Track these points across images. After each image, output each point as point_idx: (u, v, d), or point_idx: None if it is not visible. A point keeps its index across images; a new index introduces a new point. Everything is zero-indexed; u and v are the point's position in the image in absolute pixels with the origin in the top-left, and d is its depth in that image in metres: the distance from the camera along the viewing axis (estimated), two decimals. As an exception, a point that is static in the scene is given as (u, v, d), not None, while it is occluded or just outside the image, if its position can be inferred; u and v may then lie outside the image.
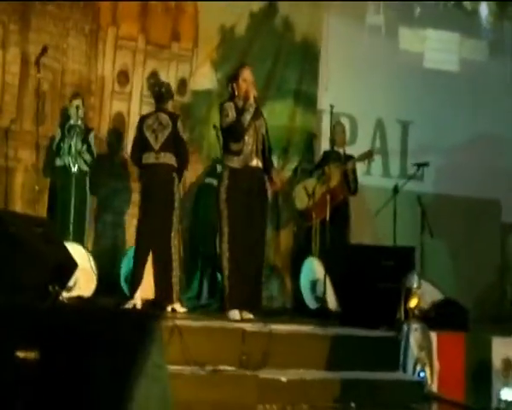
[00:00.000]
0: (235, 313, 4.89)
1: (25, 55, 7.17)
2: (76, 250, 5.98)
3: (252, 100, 5.16)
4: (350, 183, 7.21)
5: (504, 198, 8.89)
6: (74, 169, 6.32)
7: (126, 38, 7.54)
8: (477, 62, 8.92)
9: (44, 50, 6.25)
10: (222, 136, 5.44)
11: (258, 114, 5.25)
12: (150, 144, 5.67)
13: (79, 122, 6.45)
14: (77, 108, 6.45)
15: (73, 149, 6.45)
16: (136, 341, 1.88)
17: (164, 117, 5.78)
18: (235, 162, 5.13)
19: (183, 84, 7.69)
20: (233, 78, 5.46)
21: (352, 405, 4.23)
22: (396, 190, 7.11)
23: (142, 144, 5.74)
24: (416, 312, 4.83)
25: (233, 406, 3.97)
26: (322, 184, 7.05)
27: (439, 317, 5.99)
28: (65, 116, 6.81)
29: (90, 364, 1.84)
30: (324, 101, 8.22)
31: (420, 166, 7.36)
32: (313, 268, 6.36)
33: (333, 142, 7.23)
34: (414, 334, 4.67)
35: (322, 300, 5.74)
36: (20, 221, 4.68)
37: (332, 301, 5.97)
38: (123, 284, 6.25)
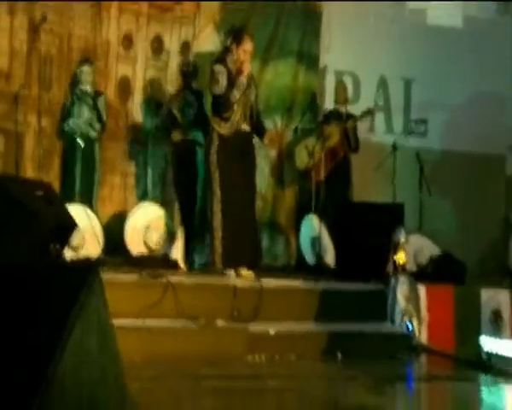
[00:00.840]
0: (231, 273, 5.10)
1: (32, 22, 7.32)
2: (82, 212, 6.25)
3: (244, 75, 5.29)
4: (350, 140, 7.34)
5: (509, 153, 8.96)
6: (80, 142, 6.49)
7: (130, 2, 7.65)
8: (482, 20, 8.91)
9: (44, 19, 6.39)
10: (212, 99, 5.57)
11: (249, 82, 5.37)
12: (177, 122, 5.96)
13: (88, 88, 6.58)
14: (86, 73, 6.57)
15: (82, 117, 6.63)
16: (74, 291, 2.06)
17: (190, 96, 5.96)
18: (224, 128, 5.31)
19: (186, 46, 7.81)
20: (235, 39, 5.55)
21: (339, 355, 4.44)
22: (395, 147, 7.22)
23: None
24: (403, 265, 4.99)
25: (223, 357, 4.21)
26: (322, 143, 7.19)
27: (436, 271, 6.19)
28: (75, 81, 6.96)
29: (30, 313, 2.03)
30: (327, 60, 8.33)
31: (418, 122, 7.45)
32: (312, 226, 6.53)
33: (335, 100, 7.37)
34: (401, 287, 4.86)
35: (319, 256, 5.93)
36: (20, 184, 4.90)
37: (331, 257, 6.16)
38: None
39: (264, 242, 7.26)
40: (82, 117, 6.67)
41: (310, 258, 6.43)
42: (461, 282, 5.97)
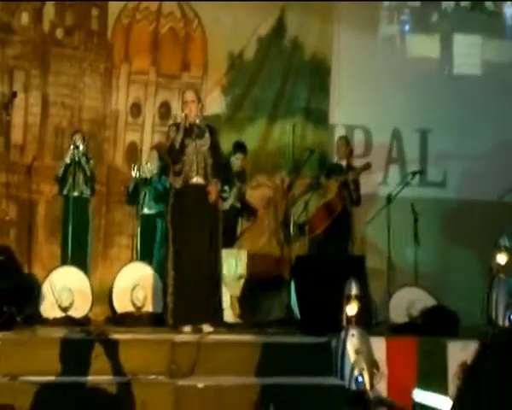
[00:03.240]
0: (185, 328, 5.10)
1: (45, 97, 7.86)
2: (73, 273, 6.50)
3: (189, 120, 5.34)
4: (351, 193, 7.25)
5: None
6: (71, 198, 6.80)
7: (138, 73, 8.05)
8: (500, 64, 8.67)
9: (14, 95, 6.77)
10: None
11: (200, 132, 5.41)
12: None
13: (76, 158, 6.88)
14: (74, 144, 6.88)
15: (76, 181, 6.94)
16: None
17: None
18: (177, 182, 5.37)
19: (192, 110, 8.04)
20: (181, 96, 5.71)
21: (271, 408, 4.34)
22: (389, 199, 7.08)
23: None
24: (355, 317, 4.83)
25: (149, 411, 4.21)
26: (320, 198, 7.17)
27: (426, 323, 5.97)
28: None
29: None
30: (337, 115, 8.35)
31: (415, 173, 7.31)
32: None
33: (336, 155, 7.38)
34: (351, 339, 4.69)
35: (290, 309, 5.85)
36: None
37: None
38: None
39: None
40: (76, 181, 6.93)
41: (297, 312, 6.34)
42: (453, 333, 5.73)
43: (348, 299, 4.90)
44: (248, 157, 7.80)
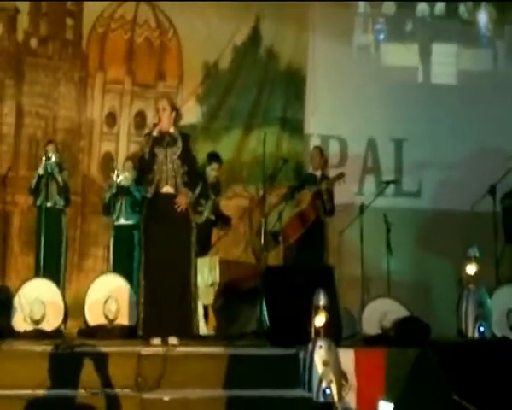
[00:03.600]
0: (154, 340, 5.08)
1: (19, 107, 7.83)
2: (46, 286, 6.44)
3: (159, 129, 5.29)
4: (325, 203, 7.25)
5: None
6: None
7: (113, 82, 8.04)
8: (476, 73, 8.73)
9: None
10: None
11: (172, 141, 5.33)
12: None
13: (49, 169, 6.81)
14: (47, 156, 6.81)
15: (50, 192, 6.89)
16: None
17: None
18: (149, 191, 5.35)
19: (168, 120, 8.03)
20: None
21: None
22: (362, 209, 7.09)
23: None
24: (322, 328, 4.84)
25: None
26: (294, 207, 7.18)
27: (398, 335, 5.97)
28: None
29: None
30: (312, 125, 8.38)
31: (388, 183, 7.33)
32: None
33: (310, 165, 7.39)
34: (318, 351, 4.69)
35: (261, 321, 5.84)
36: None
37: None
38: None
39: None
40: (49, 192, 6.88)
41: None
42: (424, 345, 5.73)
43: (316, 310, 4.91)
44: (224, 167, 7.78)
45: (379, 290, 6.94)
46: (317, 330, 4.88)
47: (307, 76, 8.40)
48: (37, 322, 6.26)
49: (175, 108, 5.51)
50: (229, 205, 7.89)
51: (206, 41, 8.04)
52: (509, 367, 2.73)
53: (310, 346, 4.76)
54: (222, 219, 7.24)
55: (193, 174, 5.40)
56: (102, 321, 6.40)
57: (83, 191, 7.85)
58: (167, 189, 5.29)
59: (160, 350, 4.71)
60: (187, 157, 5.36)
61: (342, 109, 8.39)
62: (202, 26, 8.04)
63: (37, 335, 5.94)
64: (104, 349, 4.71)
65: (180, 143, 5.37)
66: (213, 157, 7.27)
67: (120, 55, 8.04)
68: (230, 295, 6.72)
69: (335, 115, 8.39)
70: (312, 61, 8.43)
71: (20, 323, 6.21)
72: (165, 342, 5.09)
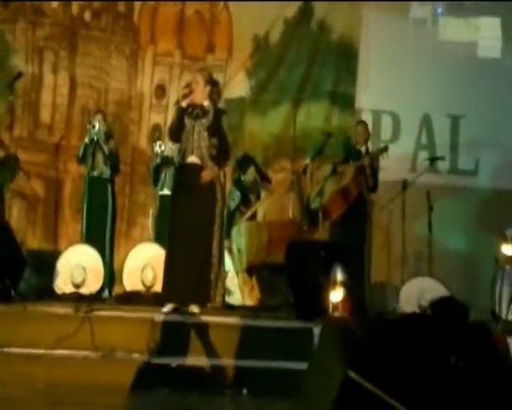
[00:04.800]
0: (167, 307, 5.12)
1: (73, 78, 8.03)
2: (87, 252, 6.65)
3: (188, 101, 5.32)
4: (368, 179, 7.09)
5: None
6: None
7: (163, 55, 8.10)
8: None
9: (19, 75, 6.89)
10: None
11: (203, 113, 5.36)
12: None
13: (95, 138, 6.95)
14: (92, 125, 6.95)
15: (96, 160, 7.03)
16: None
17: None
18: (176, 160, 5.42)
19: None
20: None
21: (244, 391, 4.33)
22: (404, 185, 6.90)
23: None
24: (339, 304, 4.75)
25: (123, 388, 4.29)
26: (336, 183, 7.06)
27: (435, 314, 5.81)
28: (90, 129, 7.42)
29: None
30: (364, 100, 8.19)
31: (433, 160, 7.09)
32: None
33: (355, 140, 7.23)
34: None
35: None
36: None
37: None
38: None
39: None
40: (95, 160, 7.01)
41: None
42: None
43: (334, 285, 4.84)
44: (272, 141, 7.76)
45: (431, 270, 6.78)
46: (335, 306, 4.81)
47: (360, 50, 8.19)
48: (77, 286, 6.49)
49: (211, 82, 5.54)
50: (276, 179, 7.83)
51: (256, 13, 7.96)
52: (416, 344, 2.65)
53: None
54: (262, 177, 7.28)
55: (221, 149, 5.41)
56: (140, 288, 6.57)
57: (132, 162, 7.98)
58: (192, 159, 5.33)
59: (174, 317, 4.76)
60: (216, 130, 5.38)
61: (396, 84, 8.16)
62: (253, -2, 7.96)
63: (76, 298, 6.12)
64: (120, 314, 4.80)
65: (211, 117, 5.40)
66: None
67: (170, 28, 8.09)
68: (275, 265, 6.69)
69: (388, 90, 8.18)
70: (366, 34, 8.22)
71: (61, 286, 6.45)
72: (182, 310, 5.13)
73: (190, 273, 5.14)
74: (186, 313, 5.05)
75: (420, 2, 8.32)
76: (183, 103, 5.34)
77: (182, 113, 5.35)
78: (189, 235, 5.21)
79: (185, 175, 5.35)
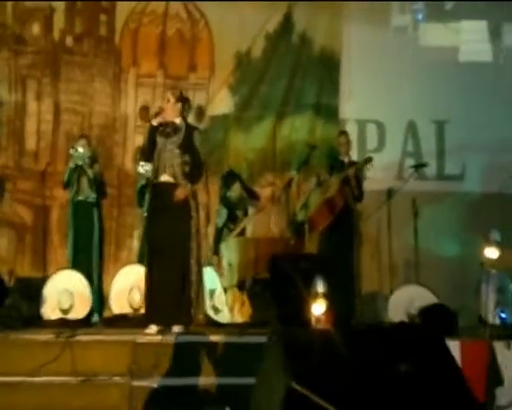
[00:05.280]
0: (150, 328, 5.12)
1: (57, 104, 8.05)
2: (74, 277, 6.63)
3: (159, 119, 5.35)
4: (353, 189, 7.08)
5: None
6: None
7: (146, 76, 8.12)
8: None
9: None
10: None
11: (174, 131, 5.38)
12: None
13: (79, 162, 6.95)
14: (75, 149, 6.95)
15: (81, 185, 7.04)
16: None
17: None
18: (150, 179, 5.43)
19: (200, 111, 8.07)
20: None
21: (227, 409, 4.30)
22: (390, 194, 6.89)
23: None
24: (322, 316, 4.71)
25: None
26: (322, 194, 7.05)
27: (424, 322, 5.79)
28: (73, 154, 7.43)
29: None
30: (348, 110, 8.19)
31: (417, 167, 7.08)
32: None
33: (338, 152, 7.23)
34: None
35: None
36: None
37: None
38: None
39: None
40: (80, 185, 7.02)
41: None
42: (452, 333, 5.52)
43: (315, 297, 4.79)
44: (257, 156, 7.76)
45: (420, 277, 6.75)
46: (317, 319, 4.76)
47: (342, 60, 8.20)
48: (65, 311, 6.45)
49: (181, 100, 5.56)
50: (263, 194, 7.83)
51: (237, 30, 8.00)
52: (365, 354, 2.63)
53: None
54: (250, 195, 7.28)
55: (194, 165, 5.41)
56: (128, 310, 6.53)
57: (118, 184, 7.98)
58: (165, 177, 5.33)
59: (156, 338, 4.73)
60: (188, 147, 5.37)
61: (379, 93, 8.16)
62: (233, 16, 7.99)
63: (62, 323, 6.09)
64: (102, 337, 4.78)
65: (182, 134, 5.41)
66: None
67: (152, 49, 8.11)
68: (266, 280, 6.65)
69: (372, 99, 8.16)
70: (347, 44, 8.23)
71: (49, 312, 6.41)
72: (166, 331, 5.11)
73: (170, 293, 5.13)
74: (169, 333, 5.01)
75: (400, 9, 8.30)
76: (154, 122, 5.36)
77: (153, 132, 5.37)
78: (167, 254, 5.22)
79: (159, 194, 5.37)
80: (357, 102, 8.15)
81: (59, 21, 8.08)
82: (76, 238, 7.00)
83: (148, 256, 5.34)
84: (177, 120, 5.46)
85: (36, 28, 8.06)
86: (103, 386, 4.40)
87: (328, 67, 8.19)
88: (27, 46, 8.05)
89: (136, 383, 4.39)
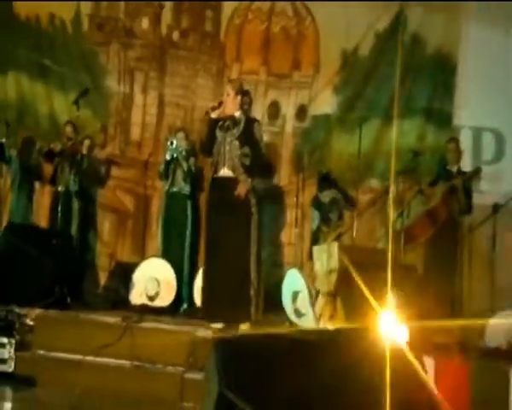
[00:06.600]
0: (215, 324, 4.97)
1: (161, 97, 8.08)
2: (162, 265, 6.64)
3: (218, 113, 5.25)
4: (460, 201, 6.55)
5: None
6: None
7: (249, 72, 7.96)
8: None
9: (85, 92, 6.89)
10: None
11: (233, 124, 5.26)
12: None
13: (175, 155, 6.91)
14: (170, 142, 6.92)
15: (176, 178, 7.01)
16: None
17: None
18: (210, 173, 5.30)
19: (302, 110, 7.82)
20: None
21: None
22: (496, 208, 6.29)
23: None
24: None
25: (155, 400, 4.11)
26: (422, 204, 6.60)
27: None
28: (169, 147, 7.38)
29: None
30: (463, 117, 7.63)
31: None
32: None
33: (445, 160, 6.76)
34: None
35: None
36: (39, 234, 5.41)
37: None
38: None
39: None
40: (175, 177, 6.98)
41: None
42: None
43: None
44: (360, 159, 7.39)
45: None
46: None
47: (458, 63, 7.65)
48: (151, 298, 6.46)
49: (241, 92, 5.47)
50: (362, 200, 7.44)
51: (345, 28, 7.66)
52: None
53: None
54: (346, 199, 6.95)
55: (254, 157, 5.26)
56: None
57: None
58: (224, 171, 5.22)
59: (215, 334, 4.54)
60: (248, 139, 5.24)
61: (498, 100, 7.52)
62: (341, 14, 7.66)
63: (146, 309, 6.08)
64: (164, 326, 4.64)
65: (242, 126, 5.28)
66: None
67: (256, 46, 7.95)
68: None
69: (490, 106, 7.54)
70: (465, 47, 7.66)
71: (136, 297, 6.46)
72: (231, 327, 4.91)
73: (229, 290, 4.93)
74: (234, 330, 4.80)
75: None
76: (213, 115, 5.21)
77: (213, 125, 5.26)
78: (226, 251, 5.06)
79: (218, 190, 5.22)
80: (473, 108, 7.56)
81: (166, 17, 8.13)
82: (168, 229, 7.02)
83: (206, 253, 5.22)
84: (237, 114, 5.36)
85: (145, 23, 8.14)
86: (157, 374, 4.27)
87: (442, 70, 7.66)
88: (136, 39, 8.15)
89: (189, 375, 4.16)
